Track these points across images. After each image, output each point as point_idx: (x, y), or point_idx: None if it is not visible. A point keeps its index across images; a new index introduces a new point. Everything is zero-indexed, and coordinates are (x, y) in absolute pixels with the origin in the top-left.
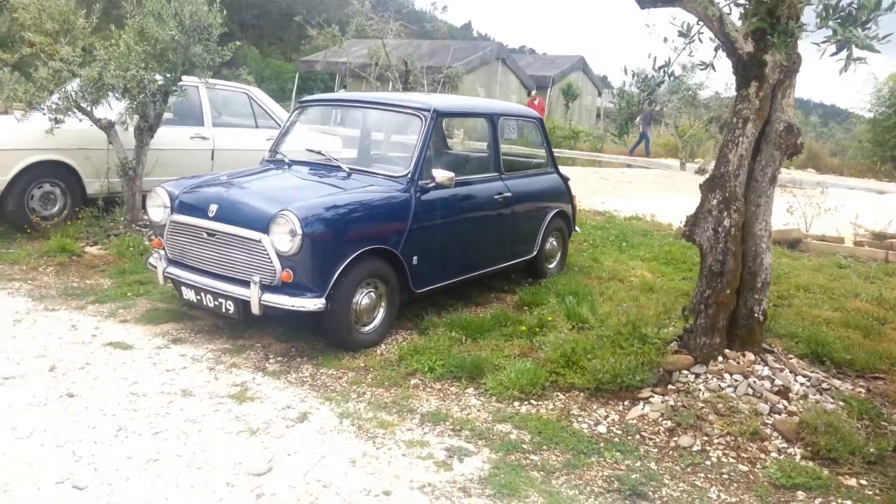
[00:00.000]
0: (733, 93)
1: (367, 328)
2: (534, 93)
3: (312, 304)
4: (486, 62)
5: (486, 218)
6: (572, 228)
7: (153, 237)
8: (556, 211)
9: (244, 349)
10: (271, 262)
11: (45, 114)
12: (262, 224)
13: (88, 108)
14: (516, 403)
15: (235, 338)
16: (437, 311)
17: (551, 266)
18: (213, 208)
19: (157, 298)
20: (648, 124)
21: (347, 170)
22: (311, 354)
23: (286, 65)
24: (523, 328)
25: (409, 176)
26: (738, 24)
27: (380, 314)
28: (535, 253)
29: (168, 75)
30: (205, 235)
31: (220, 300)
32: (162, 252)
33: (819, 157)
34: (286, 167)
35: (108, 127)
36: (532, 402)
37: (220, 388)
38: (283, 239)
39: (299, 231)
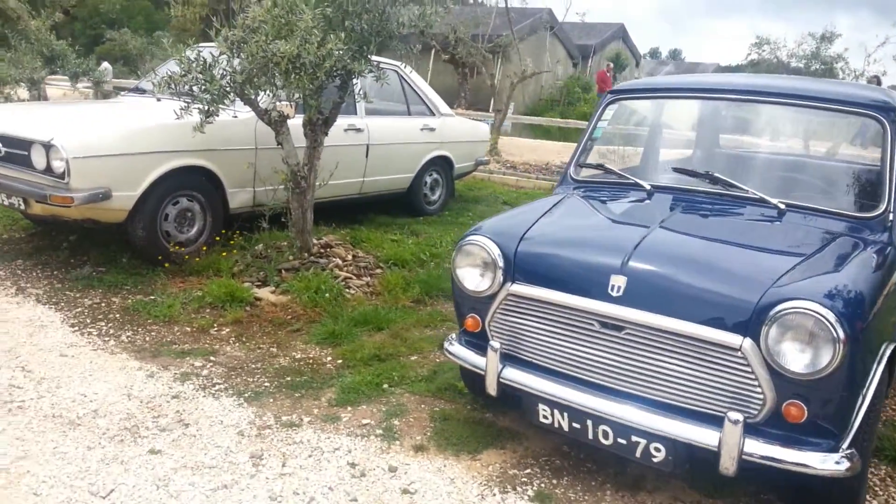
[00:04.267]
0: None
1: None
2: (610, 64)
3: (833, 462)
4: (535, 30)
5: None
6: None
7: (467, 314)
8: None
9: None
10: (758, 387)
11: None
12: (743, 320)
13: (253, 97)
14: None
15: (630, 488)
16: None
17: None
18: (619, 283)
19: (422, 391)
20: None
21: (781, 206)
22: None
23: None
24: None
25: (889, 216)
26: None
27: None
28: None
29: (362, 48)
30: (597, 326)
31: (634, 439)
32: (495, 344)
33: None
34: (645, 199)
35: (279, 122)
36: None
37: None
38: (793, 348)
39: (838, 335)
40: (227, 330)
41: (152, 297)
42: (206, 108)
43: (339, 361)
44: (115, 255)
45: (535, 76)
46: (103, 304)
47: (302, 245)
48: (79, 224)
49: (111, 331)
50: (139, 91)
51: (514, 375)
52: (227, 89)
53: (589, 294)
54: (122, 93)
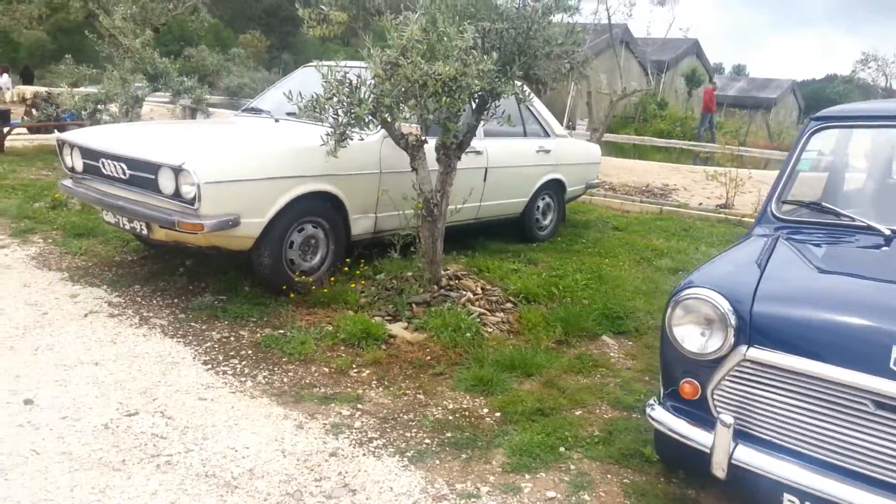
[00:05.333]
0: None
1: None
2: (716, 83)
3: None
4: (610, 45)
5: None
6: None
7: (681, 378)
8: None
9: None
10: None
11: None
12: None
13: (391, 120)
14: None
15: None
16: None
17: None
18: None
19: (602, 457)
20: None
21: None
22: None
23: (344, 49)
24: None
25: None
26: None
27: None
28: None
29: (505, 68)
30: (871, 407)
31: None
32: (726, 419)
33: None
34: (881, 245)
35: (416, 146)
36: None
37: None
38: None
39: None
40: (367, 372)
41: (281, 332)
42: (343, 131)
43: (499, 415)
44: (234, 283)
45: (610, 91)
46: (232, 339)
47: (431, 276)
48: (200, 250)
49: (246, 370)
50: (255, 111)
51: (753, 458)
52: (374, 112)
53: (861, 367)
54: (211, 112)
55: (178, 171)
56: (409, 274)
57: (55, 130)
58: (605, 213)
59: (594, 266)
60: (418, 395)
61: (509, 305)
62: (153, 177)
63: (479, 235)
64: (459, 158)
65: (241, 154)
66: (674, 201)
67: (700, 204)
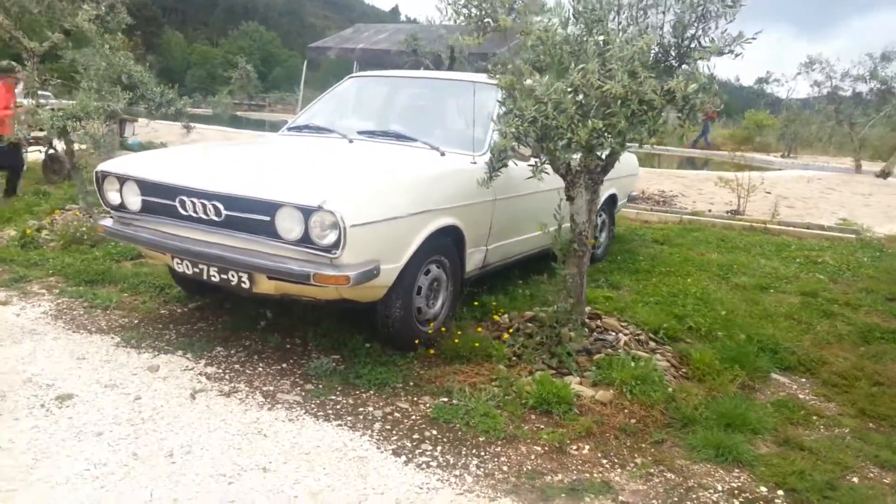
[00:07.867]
0: None
1: None
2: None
3: None
4: None
5: None
6: None
7: None
8: None
9: None
10: None
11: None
12: None
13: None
14: None
15: None
16: None
17: None
18: None
19: None
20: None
21: None
22: None
23: (212, 50)
24: None
25: None
26: None
27: None
28: None
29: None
30: None
31: None
32: None
33: None
34: None
35: (578, 172)
36: None
37: None
38: None
39: None
40: (588, 448)
41: (445, 399)
42: (501, 157)
43: (781, 493)
44: (339, 337)
45: None
46: (397, 414)
47: (580, 318)
48: (313, 303)
49: (450, 458)
50: (316, 130)
51: None
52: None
53: None
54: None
55: (310, 211)
56: (542, 315)
57: None
58: (630, 224)
59: (683, 288)
60: (666, 474)
61: (653, 344)
62: (268, 218)
63: (538, 262)
64: (602, 183)
65: (378, 188)
66: (682, 209)
67: (709, 210)
